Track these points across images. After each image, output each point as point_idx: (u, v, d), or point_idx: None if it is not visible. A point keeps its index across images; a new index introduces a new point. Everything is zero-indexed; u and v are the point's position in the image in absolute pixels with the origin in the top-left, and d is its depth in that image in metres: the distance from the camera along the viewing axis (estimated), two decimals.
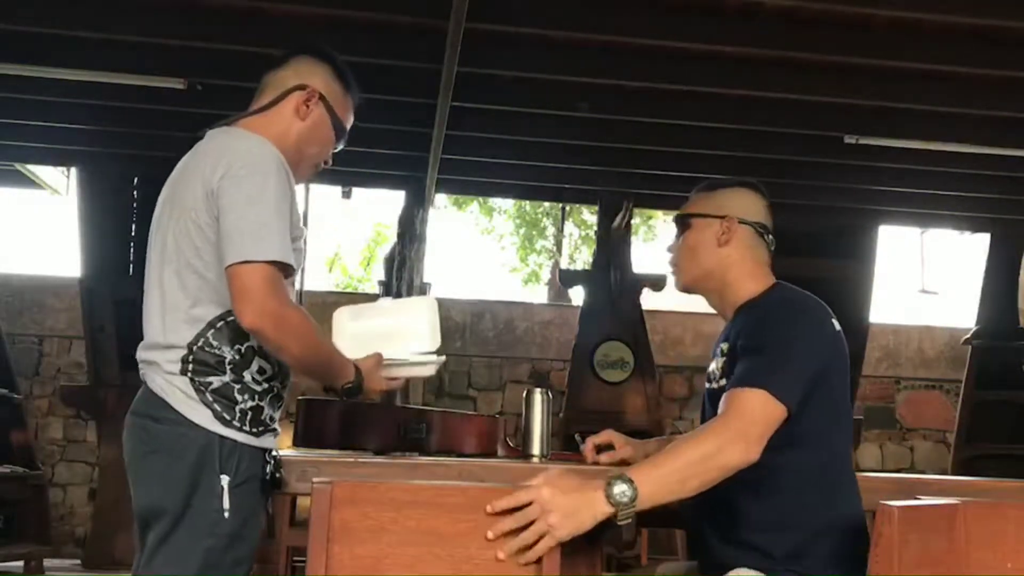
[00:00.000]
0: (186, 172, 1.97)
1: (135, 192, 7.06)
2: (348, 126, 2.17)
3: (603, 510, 1.66)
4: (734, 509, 1.92)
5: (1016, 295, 7.78)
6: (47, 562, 6.75)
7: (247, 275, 1.82)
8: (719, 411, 1.86)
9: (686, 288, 2.20)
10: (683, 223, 2.18)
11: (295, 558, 4.32)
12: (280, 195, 1.88)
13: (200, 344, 1.90)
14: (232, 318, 1.88)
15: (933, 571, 1.66)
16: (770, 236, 2.15)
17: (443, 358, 2.23)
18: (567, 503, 1.65)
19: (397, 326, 2.21)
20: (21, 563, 6.51)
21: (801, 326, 1.94)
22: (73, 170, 7.84)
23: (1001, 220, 7.43)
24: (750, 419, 1.80)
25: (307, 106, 2.07)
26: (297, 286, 8.43)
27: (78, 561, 7.44)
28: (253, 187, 1.86)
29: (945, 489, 2.24)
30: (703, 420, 2.11)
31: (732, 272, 2.09)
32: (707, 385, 2.09)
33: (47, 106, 5.84)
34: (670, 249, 2.22)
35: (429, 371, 2.22)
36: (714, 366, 2.05)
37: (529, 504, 1.64)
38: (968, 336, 8.09)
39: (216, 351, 1.90)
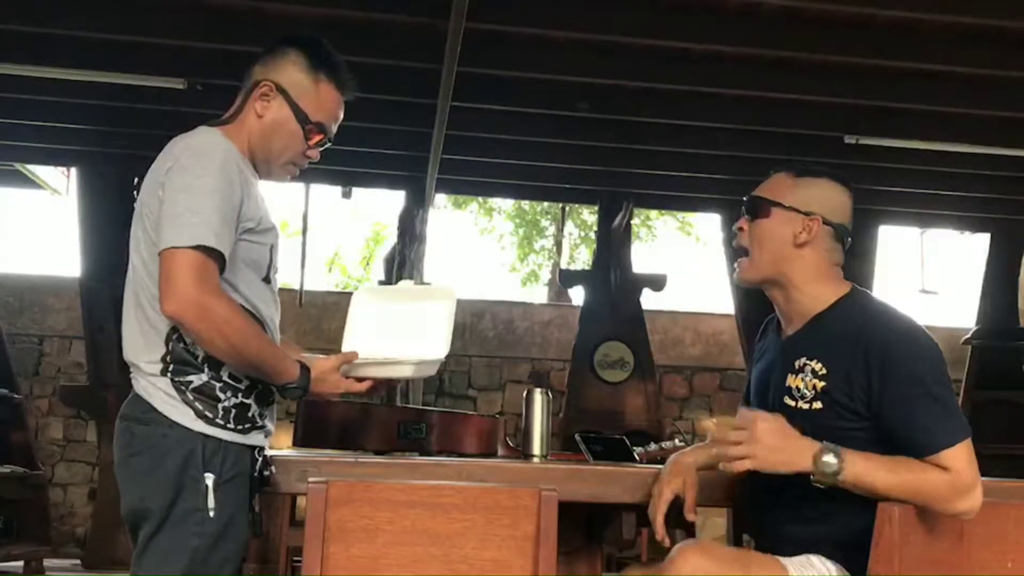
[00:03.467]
0: (149, 174, 1.96)
1: (135, 192, 7.02)
2: (325, 117, 2.05)
3: (803, 465, 1.78)
4: (819, 499, 1.88)
5: (1016, 295, 7.77)
6: (47, 562, 6.75)
7: (171, 262, 1.80)
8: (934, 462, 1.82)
9: (750, 283, 2.05)
10: (762, 207, 2.00)
11: (295, 558, 4.31)
12: (220, 184, 1.85)
13: (175, 338, 1.89)
14: None
15: (933, 571, 1.66)
16: (849, 239, 2.02)
17: (420, 360, 2.06)
18: (775, 440, 1.77)
19: (417, 314, 2.11)
20: (21, 563, 6.51)
21: (936, 353, 1.90)
22: (73, 170, 7.84)
23: (1001, 220, 7.43)
24: (973, 471, 1.81)
25: (264, 101, 2.01)
26: (296, 286, 8.44)
27: (78, 561, 7.43)
28: (191, 175, 1.85)
29: None
30: None
31: (803, 275, 1.98)
32: (787, 401, 1.93)
33: (47, 106, 5.83)
34: (736, 229, 2.05)
35: (406, 372, 2.07)
36: (800, 383, 1.92)
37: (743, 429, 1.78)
38: (968, 336, 8.08)
39: (190, 347, 1.89)
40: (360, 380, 2.05)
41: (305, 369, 1.97)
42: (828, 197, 2.01)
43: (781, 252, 1.98)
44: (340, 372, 2.02)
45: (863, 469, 1.78)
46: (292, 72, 2.03)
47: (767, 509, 2.02)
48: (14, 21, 4.81)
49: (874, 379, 1.85)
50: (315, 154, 2.09)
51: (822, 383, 1.89)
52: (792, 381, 1.94)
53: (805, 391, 1.91)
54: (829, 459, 1.77)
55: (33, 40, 5.02)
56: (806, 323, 1.98)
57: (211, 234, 1.82)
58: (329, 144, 2.12)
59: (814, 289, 1.98)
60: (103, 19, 4.78)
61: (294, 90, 2.01)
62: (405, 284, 2.27)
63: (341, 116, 2.11)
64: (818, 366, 1.91)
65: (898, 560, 1.61)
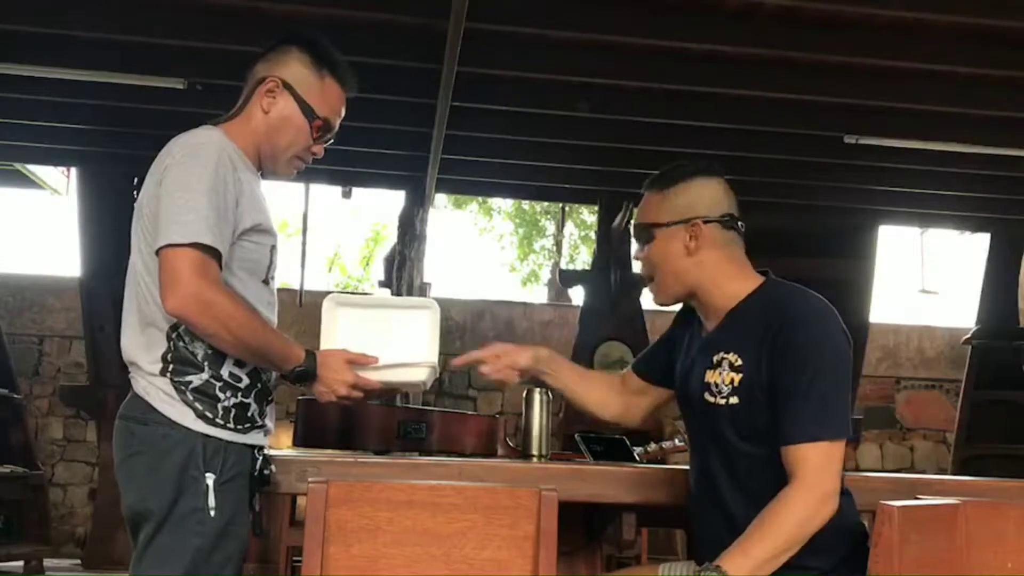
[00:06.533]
0: (149, 173, 1.97)
1: (135, 192, 7.05)
2: (329, 112, 2.06)
3: None
4: (744, 521, 1.85)
5: (1016, 295, 7.77)
6: (47, 562, 6.76)
7: (171, 259, 1.80)
8: (790, 472, 1.78)
9: (666, 304, 2.04)
10: (644, 234, 2.00)
11: (295, 558, 4.31)
12: (216, 182, 1.85)
13: (175, 337, 1.89)
14: None
15: (933, 571, 1.66)
16: (740, 223, 1.98)
17: (434, 363, 2.06)
18: None
19: (394, 323, 2.08)
20: (21, 563, 6.52)
21: (835, 338, 1.84)
22: (73, 170, 7.84)
23: (1001, 220, 7.42)
24: (825, 475, 1.77)
25: (270, 97, 2.02)
26: (296, 286, 8.44)
27: (78, 561, 7.43)
28: (187, 173, 1.85)
29: (945, 489, 2.23)
30: (696, 434, 1.99)
31: (709, 277, 1.95)
32: (707, 398, 1.91)
33: (47, 106, 5.83)
34: (636, 256, 2.06)
35: (419, 375, 2.05)
36: (718, 379, 1.90)
37: None
38: (968, 336, 8.09)
39: (188, 346, 1.90)
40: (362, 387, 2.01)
41: (310, 353, 1.96)
42: (700, 195, 1.98)
43: (679, 267, 1.96)
44: (351, 367, 1.99)
45: (744, 560, 1.71)
46: (297, 68, 2.04)
47: (712, 528, 1.96)
48: (14, 21, 4.82)
49: (774, 361, 1.82)
50: (320, 150, 2.10)
51: (739, 375, 1.86)
52: (711, 376, 1.91)
53: (723, 386, 1.88)
54: None
55: (33, 40, 5.02)
56: (723, 318, 1.96)
57: (208, 232, 1.82)
58: (331, 140, 2.13)
59: (726, 288, 1.95)
60: (103, 19, 4.78)
61: (300, 86, 2.03)
62: (380, 293, 2.21)
63: (343, 112, 2.13)
64: (734, 358, 1.88)
65: (898, 560, 1.60)
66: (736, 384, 1.87)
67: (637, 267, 7.40)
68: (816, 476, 1.77)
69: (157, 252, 1.83)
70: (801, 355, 1.81)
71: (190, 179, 1.85)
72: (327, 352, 1.99)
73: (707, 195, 1.99)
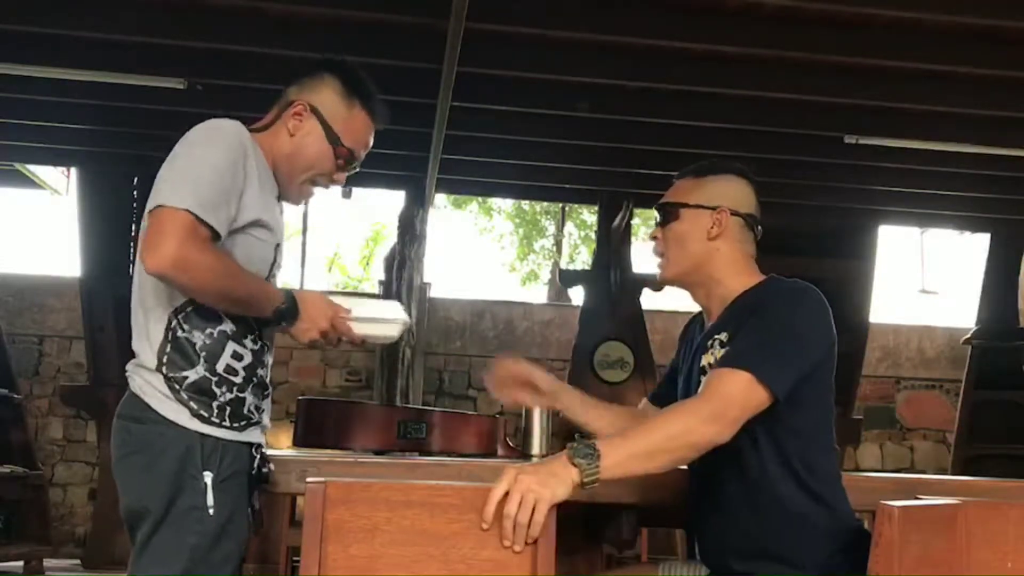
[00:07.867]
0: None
1: (135, 192, 7.06)
2: (354, 142, 2.08)
3: (569, 473, 1.65)
4: (739, 515, 1.89)
5: (1016, 295, 7.77)
6: (47, 562, 6.76)
7: (158, 219, 1.78)
8: (700, 388, 1.83)
9: (671, 281, 2.08)
10: (670, 212, 2.05)
11: (295, 558, 4.31)
12: (221, 162, 1.84)
13: (173, 326, 1.89)
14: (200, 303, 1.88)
15: (933, 571, 1.66)
16: (759, 227, 2.05)
17: (408, 320, 2.12)
18: (537, 475, 1.63)
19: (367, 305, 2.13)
20: (21, 563, 6.52)
21: (804, 313, 1.86)
22: (73, 170, 7.84)
23: (1001, 220, 7.43)
24: (728, 401, 1.75)
25: (297, 120, 2.03)
26: (296, 285, 8.44)
27: (78, 561, 7.43)
28: (197, 146, 1.86)
29: (945, 489, 2.24)
30: None
31: (720, 266, 2.00)
32: (703, 380, 1.93)
33: (47, 106, 5.83)
34: (653, 236, 2.09)
35: (393, 331, 2.08)
36: (711, 359, 1.93)
37: (507, 495, 1.61)
38: (968, 336, 8.09)
39: (188, 335, 1.89)
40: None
41: (288, 292, 1.97)
42: (732, 190, 2.04)
43: (697, 249, 2.01)
44: (332, 304, 2.01)
45: (619, 441, 1.71)
46: (327, 95, 2.06)
47: (706, 519, 1.98)
48: (14, 21, 4.82)
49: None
50: (342, 178, 2.11)
51: (725, 350, 1.89)
52: (705, 360, 1.95)
53: (715, 365, 1.90)
54: (584, 454, 1.66)
55: (34, 40, 5.02)
56: (723, 312, 1.99)
57: (207, 204, 1.80)
58: (357, 170, 2.13)
59: (732, 281, 1.99)
60: (103, 19, 4.79)
61: (328, 112, 2.05)
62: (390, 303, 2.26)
63: (371, 144, 2.14)
64: (724, 336, 1.91)
65: (898, 560, 1.60)
66: (720, 359, 1.89)
67: (637, 267, 7.31)
68: (720, 397, 1.76)
69: (149, 213, 1.81)
70: (765, 313, 1.85)
71: (198, 151, 1.85)
72: (306, 292, 2.02)
73: (739, 191, 2.05)
